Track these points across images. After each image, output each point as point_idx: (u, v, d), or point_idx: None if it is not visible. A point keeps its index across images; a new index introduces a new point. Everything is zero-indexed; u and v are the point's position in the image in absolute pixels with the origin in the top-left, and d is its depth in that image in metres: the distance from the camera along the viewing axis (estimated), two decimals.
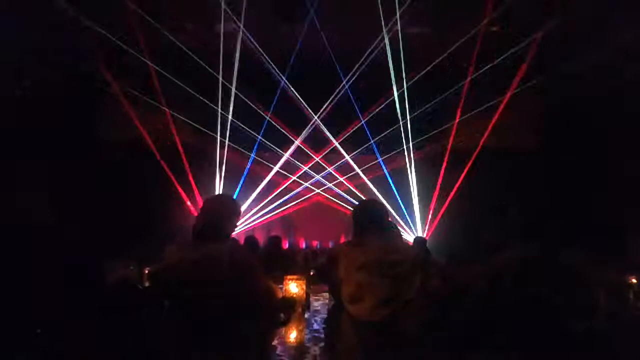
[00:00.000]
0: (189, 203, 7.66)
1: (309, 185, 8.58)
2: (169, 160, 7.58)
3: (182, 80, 7.09)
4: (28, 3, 5.73)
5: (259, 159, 8.26)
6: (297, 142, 8.16)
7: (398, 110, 7.77)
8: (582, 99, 6.80)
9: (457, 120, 7.71)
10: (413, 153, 8.04)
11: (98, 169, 6.96)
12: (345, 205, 8.35)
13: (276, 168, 8.23)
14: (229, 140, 7.89)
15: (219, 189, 7.81)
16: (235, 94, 7.59)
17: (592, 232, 5.73)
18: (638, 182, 6.00)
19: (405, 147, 7.98)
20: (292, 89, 7.60)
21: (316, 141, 8.30)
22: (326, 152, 8.38)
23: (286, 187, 8.51)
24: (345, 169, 8.43)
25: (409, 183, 8.21)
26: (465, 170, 7.74)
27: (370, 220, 2.53)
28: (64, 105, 6.72)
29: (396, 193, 8.22)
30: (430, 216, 8.14)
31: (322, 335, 2.96)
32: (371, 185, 8.22)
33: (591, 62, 6.11)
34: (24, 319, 2.52)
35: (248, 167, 8.21)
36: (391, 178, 8.26)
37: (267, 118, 7.84)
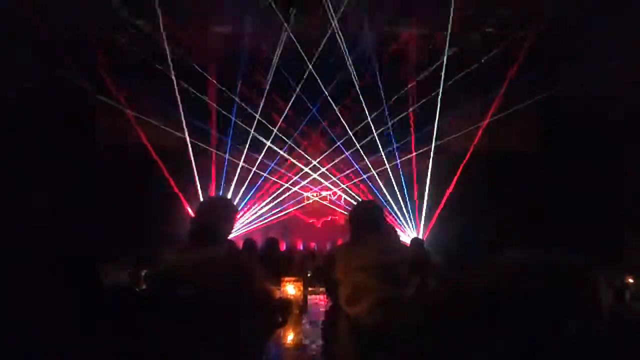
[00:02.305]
0: (187, 206, 7.64)
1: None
2: (168, 162, 7.56)
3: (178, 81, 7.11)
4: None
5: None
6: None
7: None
8: (578, 101, 6.79)
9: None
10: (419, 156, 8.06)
11: (95, 172, 6.93)
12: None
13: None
14: (228, 142, 7.93)
15: (215, 191, 7.80)
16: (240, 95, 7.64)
17: (591, 233, 5.75)
18: (636, 182, 6.01)
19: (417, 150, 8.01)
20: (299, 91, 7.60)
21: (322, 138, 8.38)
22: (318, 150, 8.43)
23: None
24: (345, 168, 8.48)
25: (408, 184, 8.22)
26: (462, 171, 7.73)
27: (368, 222, 2.52)
28: (63, 106, 6.70)
29: (395, 194, 8.23)
30: (428, 217, 8.14)
31: (320, 337, 2.96)
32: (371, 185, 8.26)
33: (591, 62, 6.10)
34: (21, 321, 2.50)
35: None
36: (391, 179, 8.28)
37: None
